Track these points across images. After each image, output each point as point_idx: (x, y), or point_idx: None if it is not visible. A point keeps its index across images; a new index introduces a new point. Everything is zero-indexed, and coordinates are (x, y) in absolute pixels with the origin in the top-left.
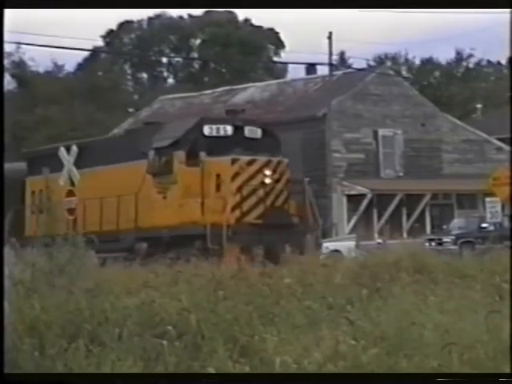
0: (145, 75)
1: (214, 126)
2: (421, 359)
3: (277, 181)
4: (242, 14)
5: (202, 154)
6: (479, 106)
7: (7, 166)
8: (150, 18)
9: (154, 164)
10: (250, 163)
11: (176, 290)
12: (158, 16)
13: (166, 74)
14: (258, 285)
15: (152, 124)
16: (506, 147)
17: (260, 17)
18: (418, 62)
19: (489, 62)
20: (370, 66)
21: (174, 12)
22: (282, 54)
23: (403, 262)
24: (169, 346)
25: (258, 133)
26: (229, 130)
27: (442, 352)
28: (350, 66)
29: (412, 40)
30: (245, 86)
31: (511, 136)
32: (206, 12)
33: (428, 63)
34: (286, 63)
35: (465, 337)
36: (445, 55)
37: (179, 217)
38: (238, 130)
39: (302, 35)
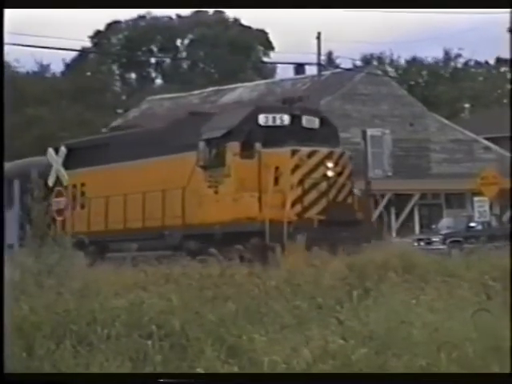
0: (133, 75)
1: (271, 115)
2: (410, 358)
3: (339, 174)
4: (231, 14)
5: (258, 145)
6: (467, 105)
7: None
8: (137, 19)
9: (205, 156)
10: (310, 155)
11: (165, 290)
12: (145, 16)
13: (154, 74)
14: (246, 285)
15: (197, 114)
16: (494, 147)
17: (249, 17)
18: (404, 61)
19: (477, 62)
20: (356, 66)
21: (162, 12)
22: (271, 55)
23: (392, 261)
24: (156, 346)
25: (315, 122)
26: (286, 119)
27: (431, 351)
28: (338, 66)
29: (399, 40)
30: (233, 86)
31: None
32: (195, 12)
33: (415, 63)
34: (274, 63)
35: (453, 335)
36: (432, 55)
37: (233, 212)
38: (295, 119)
39: (291, 36)
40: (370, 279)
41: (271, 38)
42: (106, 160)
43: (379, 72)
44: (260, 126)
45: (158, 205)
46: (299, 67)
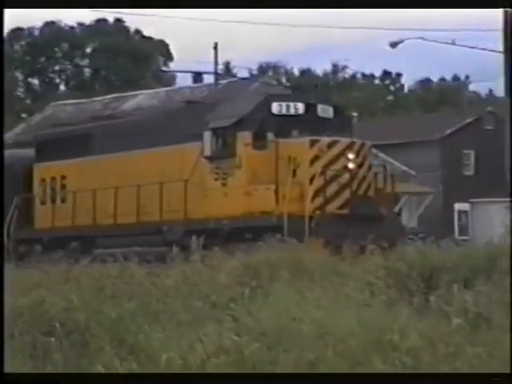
0: (36, 82)
1: (284, 104)
2: (299, 353)
3: (360, 165)
4: (132, 24)
5: (270, 135)
6: (355, 114)
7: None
8: (42, 26)
9: (212, 146)
10: (330, 145)
11: (66, 289)
12: (49, 24)
13: (58, 80)
14: (145, 284)
15: (194, 103)
16: (380, 153)
17: (149, 27)
18: (297, 72)
19: (363, 74)
20: (252, 75)
21: (66, 21)
22: (171, 64)
23: (284, 261)
24: (56, 344)
25: (330, 112)
26: (300, 107)
27: (319, 345)
28: (234, 75)
29: (292, 51)
30: (134, 93)
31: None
32: (97, 21)
33: (307, 73)
34: (174, 72)
35: (339, 330)
36: (322, 66)
37: (245, 206)
38: (310, 108)
39: (190, 45)
40: (263, 278)
41: (171, 48)
42: (89, 151)
43: (273, 81)
44: (273, 114)
45: (155, 198)
46: (197, 76)
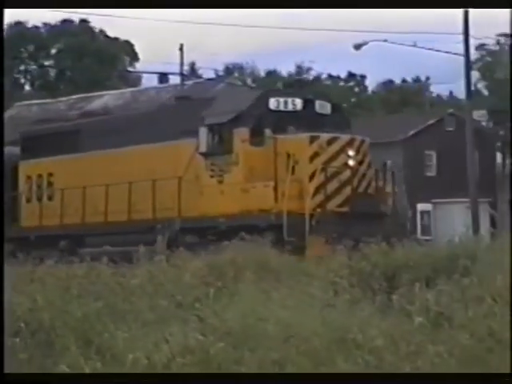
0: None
1: (282, 99)
2: (264, 352)
3: (360, 162)
4: (97, 24)
5: (268, 131)
6: None
7: None
8: (7, 26)
9: (207, 143)
10: (330, 142)
11: (30, 289)
12: (14, 24)
13: (23, 81)
14: (110, 283)
15: (185, 99)
16: None
17: (115, 28)
18: (263, 73)
19: (329, 75)
20: (218, 75)
21: (31, 21)
22: (137, 65)
23: (249, 261)
24: (21, 344)
25: (328, 108)
26: (298, 103)
27: (283, 345)
28: (200, 76)
29: (258, 53)
30: (100, 93)
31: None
32: (62, 22)
33: (272, 74)
34: (140, 72)
35: (303, 330)
36: (288, 68)
37: (242, 204)
38: (307, 103)
39: (156, 46)
40: (228, 278)
41: (137, 48)
42: (78, 148)
43: (238, 82)
44: (270, 110)
45: (148, 196)
46: (163, 77)
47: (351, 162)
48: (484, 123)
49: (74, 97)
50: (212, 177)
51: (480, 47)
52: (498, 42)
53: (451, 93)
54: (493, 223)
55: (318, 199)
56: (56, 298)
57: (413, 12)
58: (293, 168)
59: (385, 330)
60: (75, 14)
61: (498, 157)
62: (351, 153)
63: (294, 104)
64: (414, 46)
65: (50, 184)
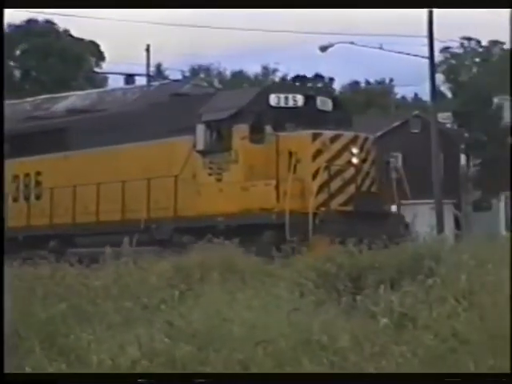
0: None
1: (283, 96)
2: (229, 353)
3: (363, 160)
4: (61, 24)
5: (268, 128)
6: None
7: None
8: None
9: (205, 140)
10: (333, 139)
11: None
12: None
13: None
14: (75, 285)
15: (180, 96)
16: None
17: (81, 28)
18: (230, 74)
19: (297, 76)
20: (185, 77)
21: None
22: (103, 65)
23: (215, 263)
24: None
25: (329, 104)
26: (299, 100)
27: (249, 346)
28: (166, 77)
29: (224, 54)
30: (66, 94)
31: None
32: (27, 21)
33: (238, 76)
34: (106, 73)
35: (269, 331)
36: (254, 69)
37: (242, 203)
38: (309, 100)
39: (122, 47)
40: (194, 279)
41: (102, 49)
42: (67, 146)
43: (205, 83)
44: (271, 106)
45: (142, 195)
46: (129, 78)
47: (355, 160)
48: (449, 125)
49: (40, 97)
50: (210, 175)
51: (444, 50)
52: (461, 45)
53: (416, 95)
54: (457, 224)
55: (321, 198)
56: (21, 300)
57: (378, 13)
58: (295, 166)
59: (350, 331)
60: (40, 14)
61: (463, 158)
62: (355, 150)
63: (294, 100)
64: (380, 48)
65: (38, 183)
